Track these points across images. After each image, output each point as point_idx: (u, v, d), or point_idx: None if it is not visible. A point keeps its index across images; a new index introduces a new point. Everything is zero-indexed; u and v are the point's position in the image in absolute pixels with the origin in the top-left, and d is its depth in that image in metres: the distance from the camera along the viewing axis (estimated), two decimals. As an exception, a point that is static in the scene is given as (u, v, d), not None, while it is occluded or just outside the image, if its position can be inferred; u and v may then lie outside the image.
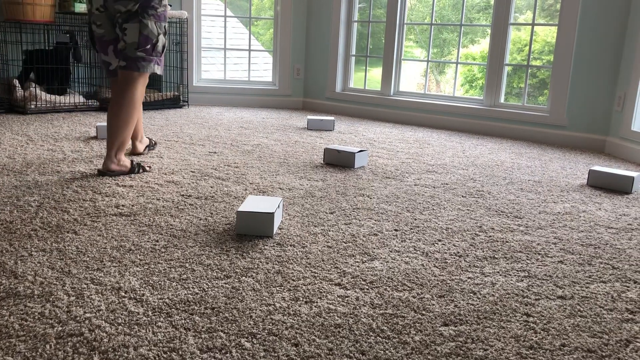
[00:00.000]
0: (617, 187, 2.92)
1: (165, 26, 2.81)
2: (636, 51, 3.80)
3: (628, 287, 1.75)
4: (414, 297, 1.60)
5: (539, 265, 1.88)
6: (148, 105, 5.10)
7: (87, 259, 1.76)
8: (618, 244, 2.12)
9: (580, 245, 2.10)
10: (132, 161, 2.86)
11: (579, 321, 1.51)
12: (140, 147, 3.23)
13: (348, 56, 5.55)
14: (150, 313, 1.44)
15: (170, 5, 5.18)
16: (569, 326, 1.48)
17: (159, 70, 2.83)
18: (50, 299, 1.49)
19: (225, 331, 1.37)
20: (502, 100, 4.69)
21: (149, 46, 2.73)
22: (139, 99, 2.82)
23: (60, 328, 1.35)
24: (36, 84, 4.69)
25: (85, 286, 1.58)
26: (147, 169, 2.91)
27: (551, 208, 2.56)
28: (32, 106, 4.54)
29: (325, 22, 5.54)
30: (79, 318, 1.40)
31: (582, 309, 1.58)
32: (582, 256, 1.98)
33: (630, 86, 3.85)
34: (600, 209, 2.58)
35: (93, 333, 1.34)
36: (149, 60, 2.75)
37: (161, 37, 2.78)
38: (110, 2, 2.69)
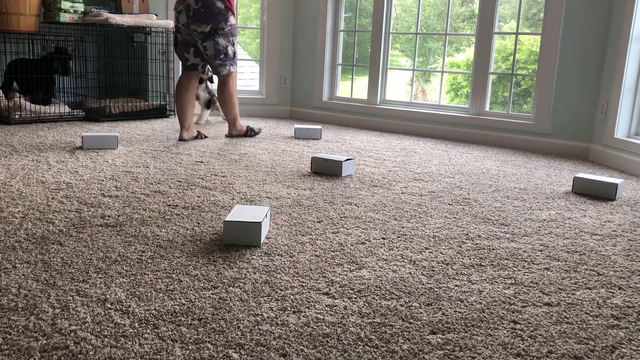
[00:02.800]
0: (601, 194, 2.95)
1: (232, 39, 3.97)
2: (618, 59, 3.86)
3: (613, 293, 1.76)
4: (401, 305, 1.61)
5: (525, 272, 1.90)
6: (134, 115, 5.08)
7: (73, 270, 1.75)
8: (603, 251, 2.14)
9: (565, 252, 2.11)
10: (247, 126, 4.39)
11: (566, 328, 1.52)
12: (186, 135, 4.08)
13: (334, 65, 5.57)
14: (136, 325, 1.43)
15: (156, 15, 5.17)
16: (556, 333, 1.49)
17: (233, 69, 4.08)
18: (35, 312, 1.47)
19: (213, 342, 1.37)
20: (487, 108, 4.73)
21: (222, 56, 3.97)
22: (233, 90, 4.18)
23: (44, 341, 1.34)
24: (20, 94, 4.65)
25: (70, 298, 1.56)
26: (258, 131, 4.44)
27: (537, 215, 2.58)
28: (17, 116, 4.50)
29: (312, 31, 5.57)
30: (64, 331, 1.39)
31: (568, 316, 1.59)
32: (567, 263, 2.00)
33: (613, 94, 3.90)
34: (585, 215, 2.61)
35: (78, 346, 1.32)
36: (224, 65, 4.02)
37: (230, 47, 3.98)
38: (190, 23, 3.87)
